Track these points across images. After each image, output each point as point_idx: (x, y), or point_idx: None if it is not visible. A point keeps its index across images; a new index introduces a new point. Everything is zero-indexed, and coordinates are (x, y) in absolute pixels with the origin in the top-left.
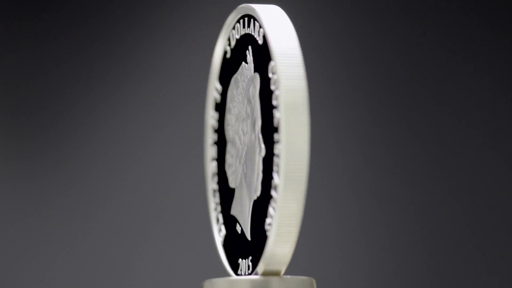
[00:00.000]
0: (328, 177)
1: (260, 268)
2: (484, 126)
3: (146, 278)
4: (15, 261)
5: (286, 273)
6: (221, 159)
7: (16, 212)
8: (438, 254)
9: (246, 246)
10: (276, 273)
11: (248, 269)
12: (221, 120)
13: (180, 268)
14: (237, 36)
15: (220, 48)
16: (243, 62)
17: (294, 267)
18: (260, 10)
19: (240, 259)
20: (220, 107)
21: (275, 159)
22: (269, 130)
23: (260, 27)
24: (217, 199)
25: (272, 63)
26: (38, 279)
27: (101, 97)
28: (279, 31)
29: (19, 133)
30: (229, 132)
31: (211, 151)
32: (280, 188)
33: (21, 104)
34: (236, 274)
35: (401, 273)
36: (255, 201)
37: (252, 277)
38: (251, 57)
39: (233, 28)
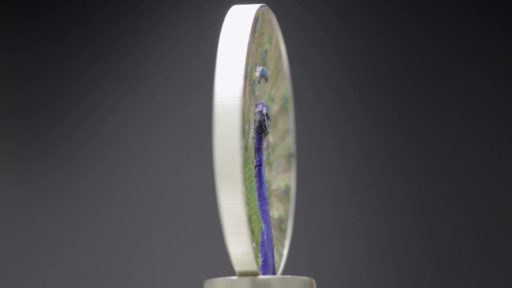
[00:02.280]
0: (328, 177)
1: (236, 270)
2: (486, 126)
3: (147, 278)
4: (15, 261)
5: (286, 273)
6: None
7: (15, 212)
8: (439, 255)
9: None
10: (253, 274)
11: None
12: None
13: (180, 268)
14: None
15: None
16: None
17: (294, 267)
18: (232, 10)
19: None
20: None
21: None
22: None
23: None
24: None
25: None
26: (38, 279)
27: (102, 97)
28: (231, 35)
29: (19, 134)
30: None
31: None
32: (218, 192)
33: (21, 105)
34: None
35: (401, 273)
36: None
37: (252, 277)
38: None
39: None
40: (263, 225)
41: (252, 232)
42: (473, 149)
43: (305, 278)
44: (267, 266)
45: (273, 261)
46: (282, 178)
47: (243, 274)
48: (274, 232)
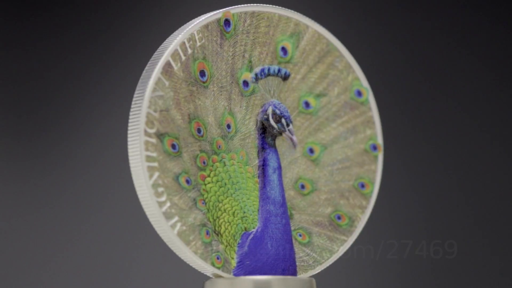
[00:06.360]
0: None
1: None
2: (490, 126)
3: (147, 278)
4: (15, 261)
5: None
6: None
7: (14, 212)
8: (440, 254)
9: None
10: (218, 276)
11: None
12: None
13: (180, 268)
14: None
15: None
16: None
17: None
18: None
19: None
20: None
21: None
22: None
23: None
24: None
25: None
26: (37, 279)
27: (101, 97)
28: (172, 46)
29: (18, 133)
30: None
31: None
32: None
33: (19, 105)
34: None
35: (402, 273)
36: None
37: (253, 277)
38: None
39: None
40: (257, 225)
41: (217, 234)
42: (479, 148)
43: (305, 278)
44: (246, 267)
45: (287, 259)
46: (350, 174)
47: (216, 276)
48: (316, 229)
